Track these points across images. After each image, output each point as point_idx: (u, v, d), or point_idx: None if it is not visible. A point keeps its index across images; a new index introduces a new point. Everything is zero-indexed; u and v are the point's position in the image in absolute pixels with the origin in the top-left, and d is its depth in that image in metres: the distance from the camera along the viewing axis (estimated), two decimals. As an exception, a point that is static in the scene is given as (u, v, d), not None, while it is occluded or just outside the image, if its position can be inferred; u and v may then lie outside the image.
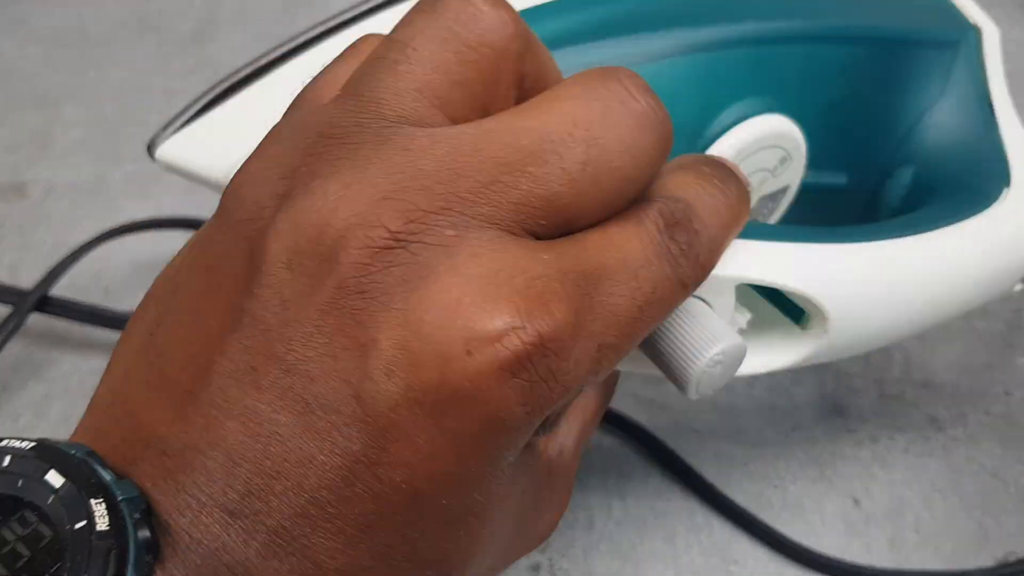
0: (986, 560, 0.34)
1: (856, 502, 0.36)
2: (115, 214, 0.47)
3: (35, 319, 0.42)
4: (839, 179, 0.33)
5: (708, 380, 0.23)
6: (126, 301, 0.43)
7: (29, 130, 0.54)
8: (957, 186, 0.31)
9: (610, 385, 0.28)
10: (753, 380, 0.39)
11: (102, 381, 0.22)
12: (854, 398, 0.40)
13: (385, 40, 0.22)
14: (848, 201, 0.33)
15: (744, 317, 0.25)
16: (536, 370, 0.18)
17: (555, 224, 0.20)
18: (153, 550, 0.18)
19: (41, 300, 0.40)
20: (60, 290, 0.43)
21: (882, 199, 0.33)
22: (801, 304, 0.27)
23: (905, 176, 0.33)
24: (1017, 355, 0.42)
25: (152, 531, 0.18)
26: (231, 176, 0.22)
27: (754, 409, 0.39)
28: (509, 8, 0.22)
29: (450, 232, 0.19)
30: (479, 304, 0.18)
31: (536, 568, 0.34)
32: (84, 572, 0.17)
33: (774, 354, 0.27)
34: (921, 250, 0.28)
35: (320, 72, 0.24)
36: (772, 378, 0.38)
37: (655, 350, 0.23)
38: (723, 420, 0.39)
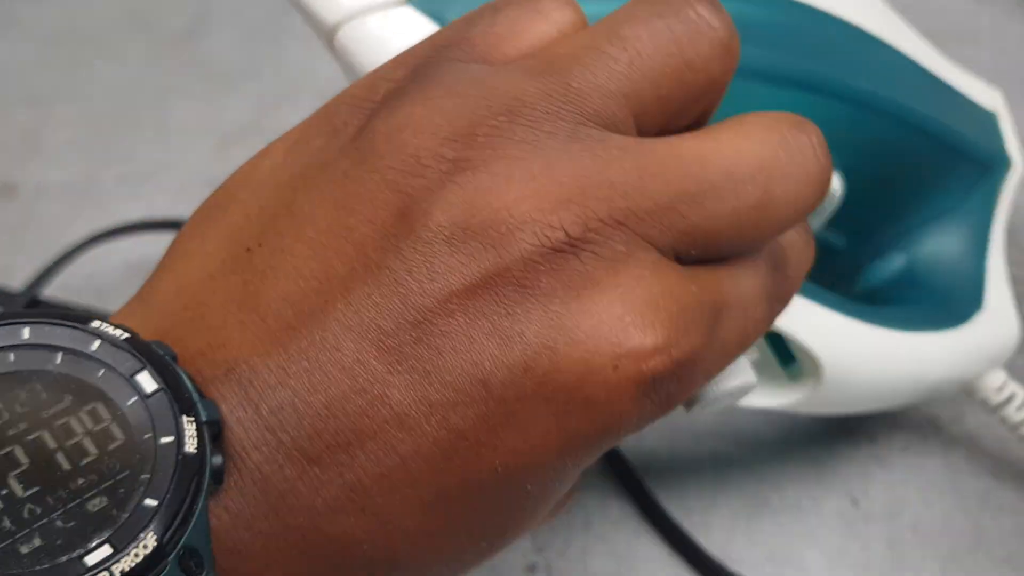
0: (982, 560, 0.34)
1: (854, 502, 0.36)
2: (107, 215, 0.47)
3: (27, 321, 0.42)
4: (839, 240, 0.35)
5: (715, 405, 0.24)
6: (119, 303, 0.43)
7: (19, 130, 0.53)
8: (938, 295, 0.35)
9: None
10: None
11: (165, 271, 0.21)
12: (851, 397, 0.40)
13: (604, 29, 0.21)
14: (835, 262, 0.35)
15: (752, 355, 0.28)
16: (662, 390, 0.19)
17: (702, 254, 0.21)
18: (219, 478, 0.18)
19: (32, 302, 0.40)
20: (52, 292, 0.42)
21: (865, 273, 0.36)
22: (799, 356, 0.30)
23: (896, 262, 0.35)
24: (1016, 354, 0.42)
25: (223, 458, 0.18)
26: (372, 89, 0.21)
27: (751, 409, 0.38)
28: (737, 34, 0.22)
29: (621, 248, 0.19)
30: (637, 324, 0.19)
31: (532, 568, 0.34)
32: (167, 492, 0.17)
33: (764, 395, 0.32)
34: (906, 344, 0.33)
35: (491, 12, 0.22)
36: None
37: None
38: (720, 420, 0.38)
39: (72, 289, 0.43)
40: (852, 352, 0.31)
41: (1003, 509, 0.36)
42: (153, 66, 0.58)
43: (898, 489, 0.37)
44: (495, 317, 0.19)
